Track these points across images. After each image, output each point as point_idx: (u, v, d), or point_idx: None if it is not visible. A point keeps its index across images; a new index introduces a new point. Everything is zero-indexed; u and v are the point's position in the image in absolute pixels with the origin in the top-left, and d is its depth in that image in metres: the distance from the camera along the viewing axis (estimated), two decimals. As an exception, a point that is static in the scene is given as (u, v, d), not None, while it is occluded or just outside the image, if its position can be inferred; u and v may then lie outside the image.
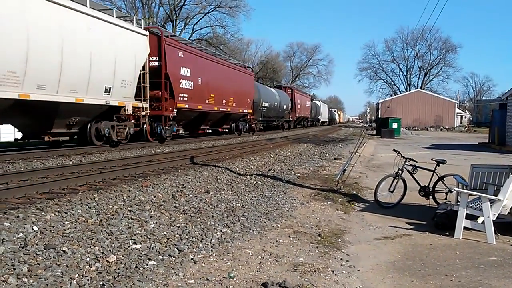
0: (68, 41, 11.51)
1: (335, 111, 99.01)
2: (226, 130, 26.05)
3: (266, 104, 32.13)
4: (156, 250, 4.39)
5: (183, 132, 21.96)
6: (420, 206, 7.32)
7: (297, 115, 43.57)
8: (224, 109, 23.36)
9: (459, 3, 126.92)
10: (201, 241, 4.81)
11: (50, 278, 3.48)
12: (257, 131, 29.57)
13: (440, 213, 5.98)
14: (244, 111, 26.74)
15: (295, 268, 4.23)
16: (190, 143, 18.42)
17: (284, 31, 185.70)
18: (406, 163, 7.46)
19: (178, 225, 5.29)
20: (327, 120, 76.69)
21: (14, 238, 4.17)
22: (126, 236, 4.64)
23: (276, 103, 34.78)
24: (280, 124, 38.59)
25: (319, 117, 64.74)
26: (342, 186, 8.72)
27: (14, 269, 3.53)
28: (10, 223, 4.56)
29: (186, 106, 18.74)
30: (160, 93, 16.85)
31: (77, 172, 8.63)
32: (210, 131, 25.30)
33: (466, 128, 55.34)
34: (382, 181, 7.37)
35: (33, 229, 4.48)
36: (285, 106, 38.00)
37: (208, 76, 20.80)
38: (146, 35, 15.67)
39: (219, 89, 22.27)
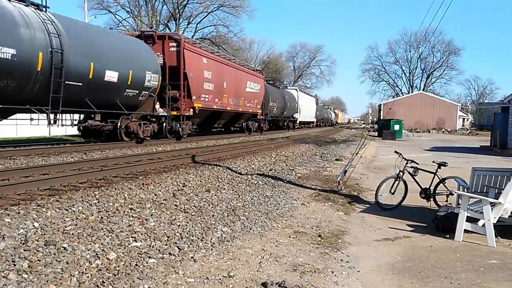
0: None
1: (331, 109, 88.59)
2: None
3: None
4: (156, 248, 4.40)
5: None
6: (421, 208, 7.31)
7: (196, 105, 19.27)
8: None
9: (462, 5, 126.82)
10: (202, 240, 4.82)
11: (50, 274, 3.49)
12: None
13: (440, 216, 5.98)
14: None
15: (295, 268, 4.23)
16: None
17: (287, 32, 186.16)
18: (408, 165, 7.46)
19: (178, 224, 5.30)
20: (315, 120, 57.48)
21: (15, 234, 4.18)
22: (127, 234, 4.65)
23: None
24: (120, 126, 15.00)
25: (295, 115, 43.70)
26: (343, 187, 8.71)
27: (15, 265, 3.54)
28: (11, 219, 4.57)
29: None
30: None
31: (78, 169, 8.64)
32: None
33: (468, 131, 55.26)
34: (383, 183, 7.37)
35: (33, 225, 4.49)
36: (128, 80, 14.52)
37: None
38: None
39: None
